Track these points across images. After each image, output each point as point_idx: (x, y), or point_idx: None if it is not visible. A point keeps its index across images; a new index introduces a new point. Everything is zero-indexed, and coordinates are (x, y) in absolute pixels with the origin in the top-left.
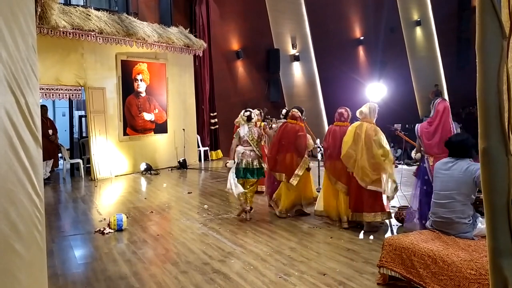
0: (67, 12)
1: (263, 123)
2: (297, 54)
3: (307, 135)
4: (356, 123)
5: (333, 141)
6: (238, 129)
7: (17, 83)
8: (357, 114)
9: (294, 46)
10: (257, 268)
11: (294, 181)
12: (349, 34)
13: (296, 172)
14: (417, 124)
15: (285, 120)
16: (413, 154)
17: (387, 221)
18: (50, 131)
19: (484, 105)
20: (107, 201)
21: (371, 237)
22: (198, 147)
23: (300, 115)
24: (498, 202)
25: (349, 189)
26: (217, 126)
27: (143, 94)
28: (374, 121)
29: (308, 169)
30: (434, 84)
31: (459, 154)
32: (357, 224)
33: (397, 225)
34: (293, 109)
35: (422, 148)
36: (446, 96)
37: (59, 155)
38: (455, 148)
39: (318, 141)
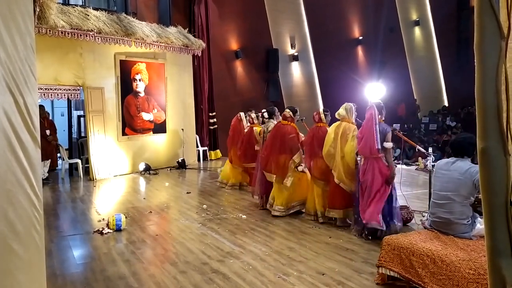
0: (65, 12)
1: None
2: (296, 54)
3: (300, 134)
4: (336, 123)
5: (310, 141)
6: None
7: (16, 83)
8: (336, 116)
9: (293, 46)
10: (256, 268)
11: (288, 181)
12: (348, 34)
13: (289, 173)
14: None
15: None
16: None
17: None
18: (48, 131)
19: (483, 105)
20: (106, 201)
21: (369, 237)
22: (197, 147)
23: (292, 115)
24: (497, 202)
25: (328, 185)
26: (216, 126)
27: (142, 94)
28: (353, 120)
29: (297, 167)
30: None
31: (457, 153)
32: (330, 219)
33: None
34: (286, 109)
35: None
36: (444, 97)
37: (58, 155)
38: (452, 147)
39: None
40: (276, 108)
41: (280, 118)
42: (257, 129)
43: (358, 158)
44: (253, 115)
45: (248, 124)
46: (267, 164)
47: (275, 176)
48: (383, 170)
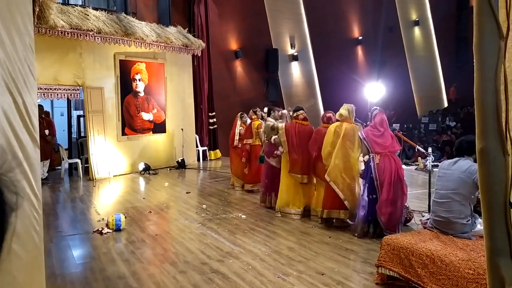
0: (65, 11)
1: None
2: (295, 53)
3: None
4: (336, 123)
5: (319, 142)
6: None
7: (15, 83)
8: (337, 116)
9: (292, 46)
10: (256, 268)
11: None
12: (347, 34)
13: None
14: (361, 130)
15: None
16: (361, 157)
17: None
18: (47, 131)
19: (482, 105)
20: (106, 201)
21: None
22: (197, 147)
23: (306, 115)
24: (496, 201)
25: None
26: (215, 126)
27: (142, 94)
28: (353, 121)
29: None
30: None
31: (457, 152)
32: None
33: None
34: (299, 111)
35: (370, 151)
36: (444, 96)
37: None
38: (455, 147)
39: None
40: (277, 108)
41: (276, 115)
42: (255, 123)
43: (365, 159)
44: (255, 111)
45: (249, 121)
46: (294, 166)
47: (306, 176)
48: (398, 163)
